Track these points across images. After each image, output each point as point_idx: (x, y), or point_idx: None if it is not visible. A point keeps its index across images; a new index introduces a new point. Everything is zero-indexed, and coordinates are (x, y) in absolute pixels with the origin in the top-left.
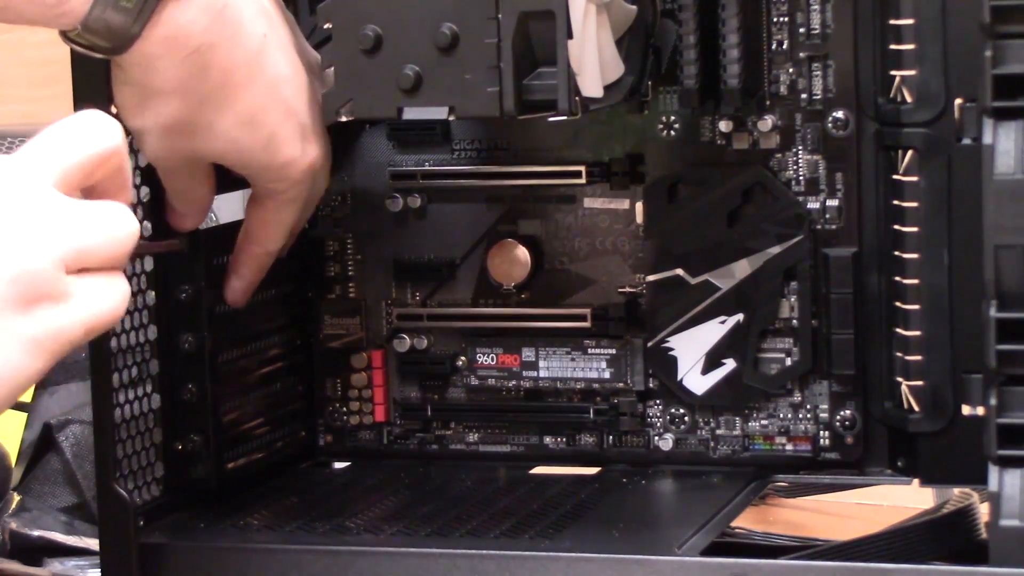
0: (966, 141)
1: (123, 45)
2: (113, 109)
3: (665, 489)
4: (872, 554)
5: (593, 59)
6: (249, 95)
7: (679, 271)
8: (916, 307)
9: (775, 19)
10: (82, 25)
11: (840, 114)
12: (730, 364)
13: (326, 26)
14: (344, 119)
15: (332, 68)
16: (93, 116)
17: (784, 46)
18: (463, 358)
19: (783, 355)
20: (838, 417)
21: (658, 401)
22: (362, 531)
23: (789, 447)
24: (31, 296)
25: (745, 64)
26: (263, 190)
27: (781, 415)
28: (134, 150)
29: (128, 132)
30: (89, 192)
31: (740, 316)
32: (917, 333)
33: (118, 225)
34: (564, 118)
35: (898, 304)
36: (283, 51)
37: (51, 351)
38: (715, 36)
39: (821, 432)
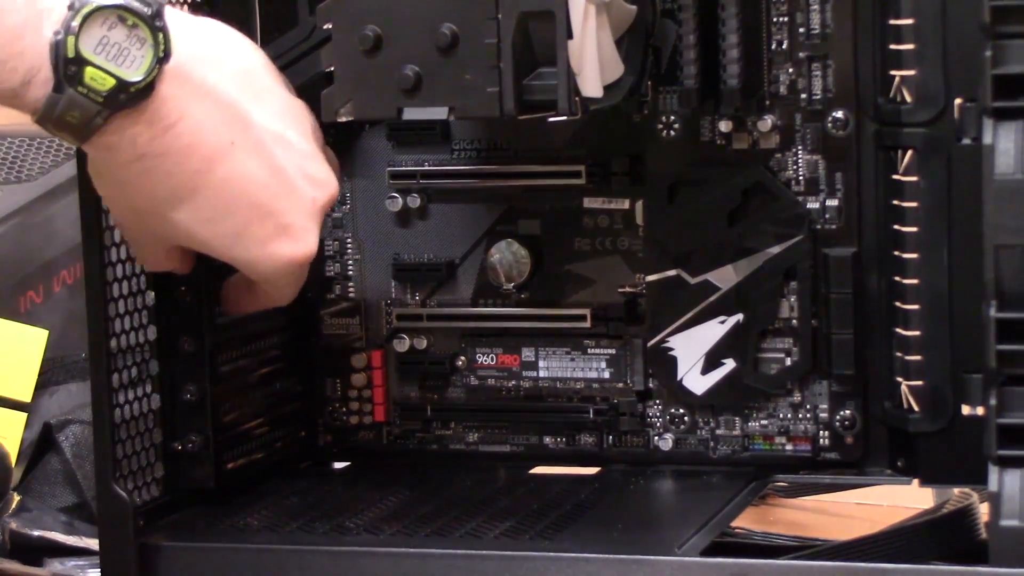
0: (966, 141)
1: (78, 143)
2: None
3: (665, 489)
4: (872, 554)
5: (593, 59)
6: (205, 198)
7: (679, 271)
8: (916, 307)
9: (775, 19)
10: (37, 120)
11: (840, 114)
12: (730, 364)
13: (326, 26)
14: (344, 119)
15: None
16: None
17: (784, 46)
18: (463, 358)
19: (783, 355)
20: (838, 417)
21: (658, 401)
22: (362, 531)
23: (789, 447)
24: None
25: (745, 64)
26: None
27: (781, 415)
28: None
29: None
30: None
31: (740, 316)
32: (917, 333)
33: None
34: (564, 118)
35: (898, 304)
36: (259, 155)
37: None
38: (715, 36)
39: (821, 432)
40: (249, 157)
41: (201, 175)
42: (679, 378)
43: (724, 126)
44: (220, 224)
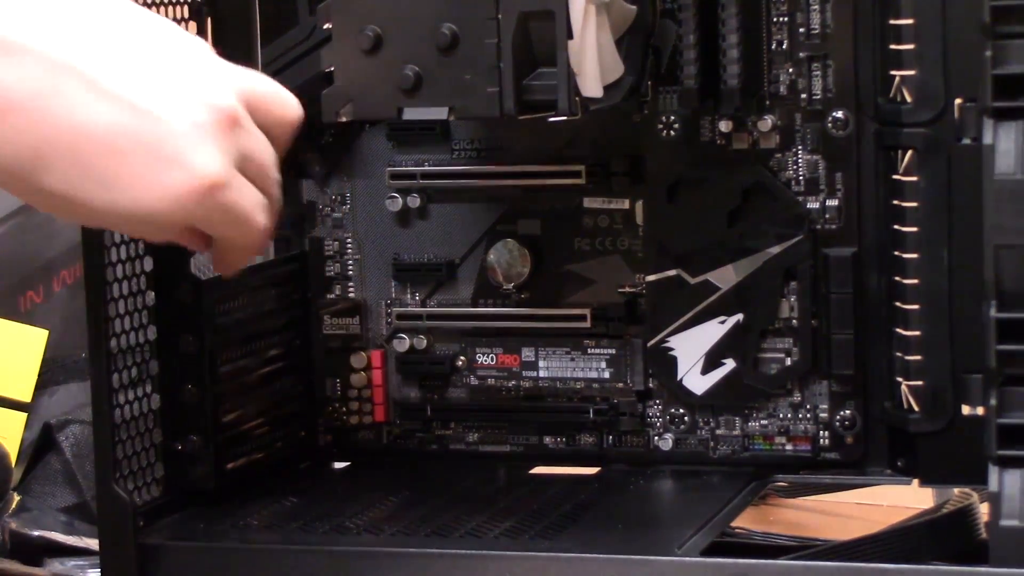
0: (966, 141)
1: None
2: None
3: (665, 489)
4: (872, 554)
5: (593, 59)
6: (53, 155)
7: (679, 271)
8: (916, 307)
9: (775, 19)
10: None
11: (840, 114)
12: (730, 364)
13: (326, 26)
14: (344, 119)
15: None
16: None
17: (784, 46)
18: (463, 358)
19: (783, 355)
20: (838, 417)
21: (658, 401)
22: (362, 531)
23: (789, 447)
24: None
25: (745, 64)
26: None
27: (781, 415)
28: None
29: None
30: None
31: (740, 316)
32: (917, 333)
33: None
34: (564, 118)
35: (898, 304)
36: (94, 92)
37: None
38: (715, 36)
39: (821, 432)
40: (80, 98)
41: (31, 131)
42: (679, 378)
43: (724, 126)
44: (87, 180)
